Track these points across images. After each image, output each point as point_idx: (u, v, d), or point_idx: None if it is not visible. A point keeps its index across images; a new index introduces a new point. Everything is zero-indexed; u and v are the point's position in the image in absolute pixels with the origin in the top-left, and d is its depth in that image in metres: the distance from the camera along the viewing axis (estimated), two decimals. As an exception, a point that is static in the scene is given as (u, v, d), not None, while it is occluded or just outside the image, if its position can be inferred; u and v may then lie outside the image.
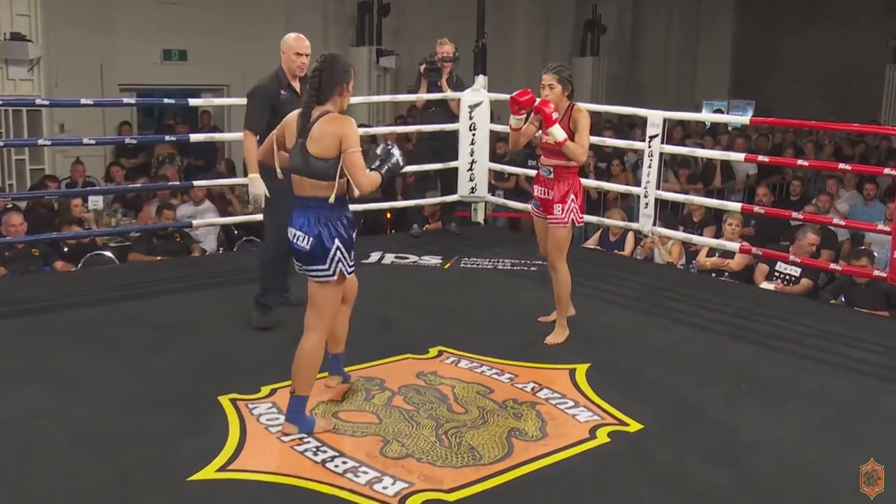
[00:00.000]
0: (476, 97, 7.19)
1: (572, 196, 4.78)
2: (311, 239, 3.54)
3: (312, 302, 3.62)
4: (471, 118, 7.20)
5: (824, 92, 16.49)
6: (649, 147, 6.38)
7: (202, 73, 11.48)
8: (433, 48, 7.09)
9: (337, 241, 3.54)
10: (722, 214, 7.18)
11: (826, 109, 14.64)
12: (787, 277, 6.52)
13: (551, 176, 4.83)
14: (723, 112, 15.89)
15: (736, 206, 6.49)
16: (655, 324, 5.23)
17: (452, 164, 7.26)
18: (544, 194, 4.87)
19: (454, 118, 7.17)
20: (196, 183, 7.25)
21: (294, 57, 4.87)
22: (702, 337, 5.01)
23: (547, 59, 15.53)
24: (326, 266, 3.55)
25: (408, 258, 6.60)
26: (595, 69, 15.45)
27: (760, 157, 6.28)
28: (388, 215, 9.42)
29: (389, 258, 6.59)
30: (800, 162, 6.44)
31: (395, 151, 3.68)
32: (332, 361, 4.03)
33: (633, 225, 6.81)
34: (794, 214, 6.13)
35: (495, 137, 9.16)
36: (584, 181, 8.31)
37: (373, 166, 3.62)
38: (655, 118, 6.35)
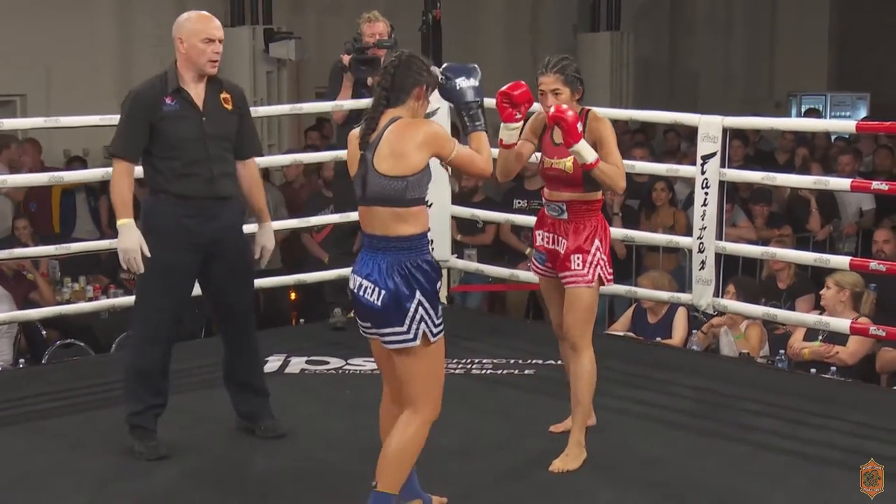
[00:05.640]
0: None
1: (597, 243, 5.06)
2: (382, 292, 4.17)
3: (402, 378, 4.28)
4: (420, 136, 7.39)
5: None
6: (703, 173, 6.60)
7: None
8: (356, 27, 7.29)
9: (419, 295, 4.18)
10: (824, 275, 7.40)
11: None
12: (929, 371, 6.74)
13: (564, 216, 5.10)
14: (819, 112, 16.26)
15: (843, 260, 6.70)
16: (725, 452, 5.36)
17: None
18: (553, 243, 5.14)
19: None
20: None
21: (202, 46, 5.11)
22: (800, 471, 5.15)
23: (537, 40, 15.94)
24: (405, 328, 4.18)
25: (327, 363, 6.71)
26: (615, 51, 15.74)
27: (875, 184, 6.51)
28: (293, 296, 9.52)
29: (297, 364, 6.68)
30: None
31: (455, 76, 4.38)
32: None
33: (684, 297, 7.00)
34: (934, 271, 6.33)
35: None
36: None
37: (471, 128, 4.38)
38: (710, 127, 6.58)
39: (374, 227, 4.25)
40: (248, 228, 5.52)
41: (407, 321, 4.18)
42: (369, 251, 4.27)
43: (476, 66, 4.46)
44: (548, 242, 5.18)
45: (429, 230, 4.31)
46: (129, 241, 5.03)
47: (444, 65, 4.49)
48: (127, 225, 5.04)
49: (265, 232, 5.49)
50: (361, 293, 4.25)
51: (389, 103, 4.27)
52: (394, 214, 4.20)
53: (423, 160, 4.20)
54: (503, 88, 4.94)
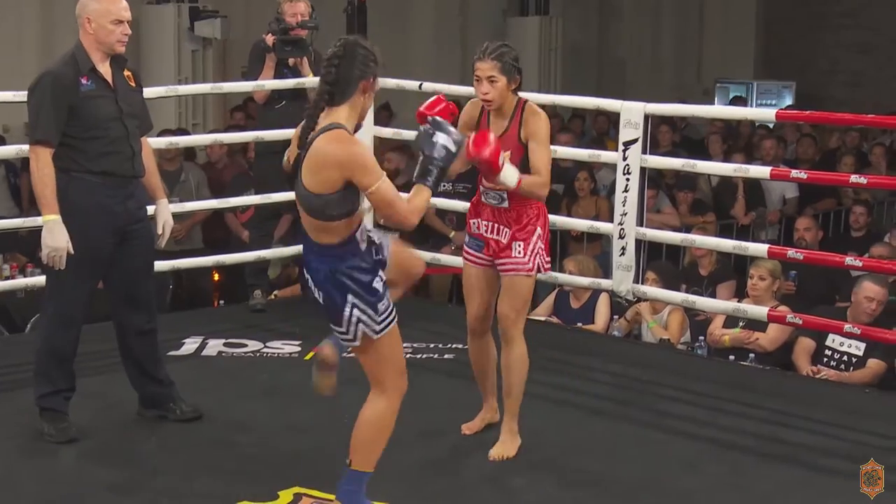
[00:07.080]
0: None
1: (538, 231, 5.07)
2: (322, 295, 4.23)
3: (363, 365, 4.36)
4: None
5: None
6: (624, 159, 6.63)
7: None
8: (277, 7, 7.23)
9: (351, 300, 4.17)
10: (745, 263, 7.43)
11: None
12: (845, 358, 6.80)
13: (506, 204, 5.06)
14: (745, 101, 16.43)
15: (762, 248, 6.76)
16: (643, 439, 5.41)
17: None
18: (494, 232, 5.09)
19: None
20: None
21: (111, 27, 5.08)
22: (716, 457, 5.21)
23: (466, 24, 15.89)
24: (344, 329, 4.23)
25: (245, 345, 6.70)
26: (544, 36, 15.80)
27: (795, 172, 6.57)
28: (216, 276, 9.45)
29: (215, 346, 6.67)
30: (854, 178, 6.68)
31: (438, 130, 4.20)
32: None
33: (605, 283, 7.03)
34: (850, 259, 6.42)
35: (386, 146, 9.34)
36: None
37: (418, 178, 4.19)
38: (632, 113, 6.62)
39: (306, 230, 4.23)
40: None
41: (344, 324, 4.21)
42: (306, 248, 4.28)
43: (464, 139, 4.35)
44: (488, 231, 5.12)
45: (356, 230, 4.17)
46: (60, 239, 4.97)
47: (433, 118, 4.34)
48: (56, 221, 4.98)
49: (165, 208, 5.48)
50: (313, 288, 4.29)
51: (333, 99, 4.10)
52: (317, 224, 4.15)
53: (339, 182, 4.04)
54: (421, 108, 4.83)
